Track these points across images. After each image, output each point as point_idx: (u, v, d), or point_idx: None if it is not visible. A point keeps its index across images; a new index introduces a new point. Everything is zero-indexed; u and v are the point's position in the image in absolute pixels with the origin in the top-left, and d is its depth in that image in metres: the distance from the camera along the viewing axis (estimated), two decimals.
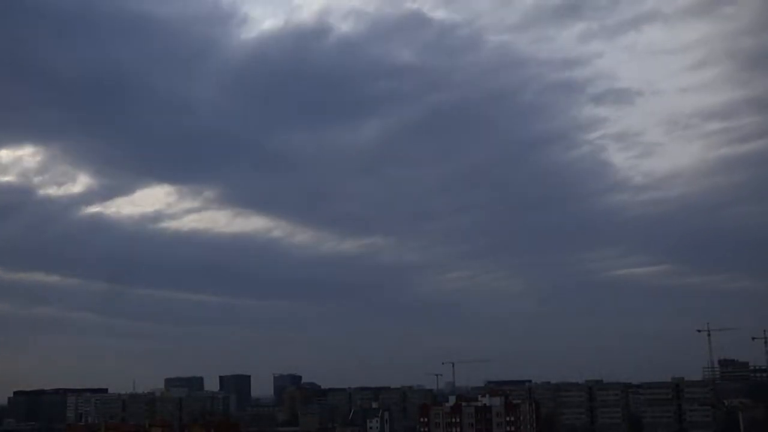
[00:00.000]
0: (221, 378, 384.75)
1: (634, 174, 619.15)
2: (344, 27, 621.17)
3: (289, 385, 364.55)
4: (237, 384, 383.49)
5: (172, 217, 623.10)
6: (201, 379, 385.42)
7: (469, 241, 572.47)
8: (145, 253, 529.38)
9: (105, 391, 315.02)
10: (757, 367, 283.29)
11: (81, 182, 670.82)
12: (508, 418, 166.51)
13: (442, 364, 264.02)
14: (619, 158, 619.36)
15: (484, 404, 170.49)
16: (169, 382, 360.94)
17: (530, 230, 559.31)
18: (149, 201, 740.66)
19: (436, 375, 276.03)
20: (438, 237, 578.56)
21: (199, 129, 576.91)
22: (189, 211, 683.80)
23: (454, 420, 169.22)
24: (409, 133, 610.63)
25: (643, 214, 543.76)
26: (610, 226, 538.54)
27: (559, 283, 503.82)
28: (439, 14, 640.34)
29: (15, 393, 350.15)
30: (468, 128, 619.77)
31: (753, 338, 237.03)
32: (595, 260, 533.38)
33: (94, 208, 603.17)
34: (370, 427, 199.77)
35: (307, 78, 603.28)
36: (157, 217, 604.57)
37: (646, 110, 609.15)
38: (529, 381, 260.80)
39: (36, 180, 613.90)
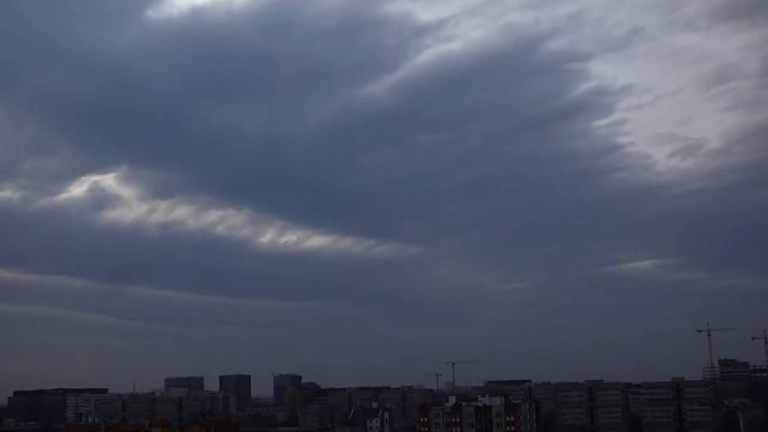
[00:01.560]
0: (221, 378, 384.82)
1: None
2: None
3: (289, 385, 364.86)
4: (237, 384, 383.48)
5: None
6: (201, 379, 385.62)
7: (470, 235, 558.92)
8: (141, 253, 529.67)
9: (105, 391, 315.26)
10: (757, 367, 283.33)
11: None
12: (508, 418, 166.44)
13: (446, 363, 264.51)
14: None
15: (484, 404, 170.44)
16: (169, 382, 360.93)
17: (532, 223, 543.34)
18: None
19: (436, 375, 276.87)
20: (439, 233, 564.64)
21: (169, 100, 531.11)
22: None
23: (454, 420, 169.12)
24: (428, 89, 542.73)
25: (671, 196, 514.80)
26: (616, 215, 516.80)
27: (559, 281, 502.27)
28: None
29: (15, 393, 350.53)
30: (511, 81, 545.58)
31: (753, 338, 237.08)
32: (597, 253, 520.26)
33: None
34: (370, 427, 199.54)
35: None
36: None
37: (746, 41, 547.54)
38: (529, 381, 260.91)
39: None
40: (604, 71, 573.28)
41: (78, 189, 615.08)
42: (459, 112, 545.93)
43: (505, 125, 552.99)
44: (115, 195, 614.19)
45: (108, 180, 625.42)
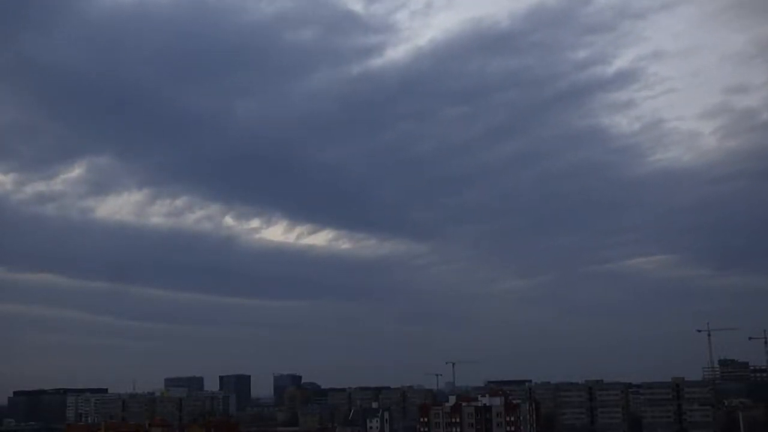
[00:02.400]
0: (221, 378, 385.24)
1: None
2: None
3: (289, 385, 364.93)
4: (237, 384, 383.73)
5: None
6: (201, 379, 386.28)
7: (475, 228, 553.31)
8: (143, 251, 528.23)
9: (105, 391, 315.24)
10: (757, 367, 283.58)
11: None
12: (508, 418, 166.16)
13: (446, 363, 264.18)
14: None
15: (484, 404, 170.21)
16: (169, 382, 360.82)
17: (546, 213, 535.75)
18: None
19: (436, 375, 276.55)
20: (444, 227, 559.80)
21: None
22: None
23: (454, 420, 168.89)
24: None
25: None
26: (640, 204, 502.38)
27: (560, 279, 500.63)
28: None
29: (15, 393, 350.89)
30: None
31: (750, 338, 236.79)
32: (605, 248, 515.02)
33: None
34: (370, 427, 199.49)
35: None
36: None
37: None
38: (529, 381, 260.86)
39: None
40: (658, 32, 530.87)
41: (77, 170, 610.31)
42: (485, 82, 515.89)
43: (537, 96, 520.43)
44: (110, 184, 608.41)
45: (102, 164, 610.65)
